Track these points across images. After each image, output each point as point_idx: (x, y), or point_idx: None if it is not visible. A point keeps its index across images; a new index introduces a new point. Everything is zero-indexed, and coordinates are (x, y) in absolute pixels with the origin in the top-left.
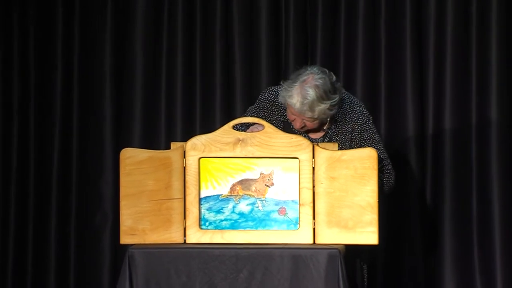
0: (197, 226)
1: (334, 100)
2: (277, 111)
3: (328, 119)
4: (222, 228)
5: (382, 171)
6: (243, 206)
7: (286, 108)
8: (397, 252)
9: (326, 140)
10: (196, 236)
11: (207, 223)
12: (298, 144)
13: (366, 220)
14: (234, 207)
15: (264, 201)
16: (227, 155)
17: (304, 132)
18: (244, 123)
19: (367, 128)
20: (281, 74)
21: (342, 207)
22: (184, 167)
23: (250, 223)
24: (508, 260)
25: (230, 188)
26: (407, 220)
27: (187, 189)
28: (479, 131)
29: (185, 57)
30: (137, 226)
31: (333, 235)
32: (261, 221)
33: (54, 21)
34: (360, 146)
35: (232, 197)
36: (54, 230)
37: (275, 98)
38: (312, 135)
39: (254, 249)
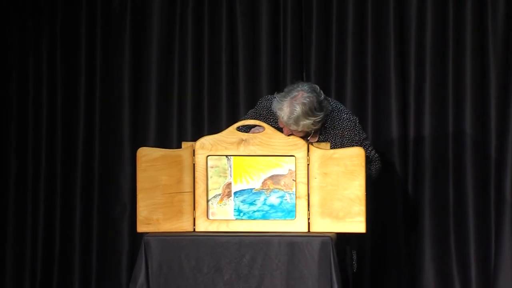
0: (205, 216)
1: (318, 117)
2: (272, 118)
3: (313, 132)
4: (255, 218)
5: (371, 161)
6: (274, 199)
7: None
8: (382, 240)
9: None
10: (204, 225)
11: (241, 214)
12: (294, 144)
13: (355, 211)
14: (265, 199)
15: (291, 194)
16: (232, 154)
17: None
18: (247, 125)
19: (356, 133)
20: (279, 79)
21: (333, 200)
22: (194, 164)
23: (280, 214)
24: (481, 244)
25: (262, 182)
26: (392, 212)
27: (196, 184)
28: (455, 132)
29: (194, 66)
30: (152, 216)
31: (326, 224)
32: (289, 212)
33: (78, 33)
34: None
35: (263, 190)
36: (79, 220)
37: (271, 106)
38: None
39: (256, 236)
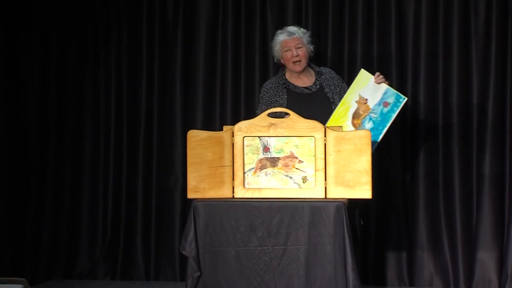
0: (242, 186)
1: (305, 31)
2: (280, 93)
3: (311, 52)
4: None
5: None
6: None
7: (283, 86)
8: (385, 205)
9: (317, 86)
10: (241, 193)
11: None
12: (314, 127)
13: (363, 181)
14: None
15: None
16: (263, 135)
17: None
18: (275, 112)
19: (345, 85)
20: None
21: (345, 172)
22: (233, 144)
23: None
24: (465, 211)
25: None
26: (393, 183)
27: (234, 159)
28: (444, 124)
29: (233, 65)
30: (199, 185)
31: (339, 192)
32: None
33: (140, 38)
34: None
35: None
36: (141, 189)
37: (271, 84)
38: (305, 82)
39: (283, 201)
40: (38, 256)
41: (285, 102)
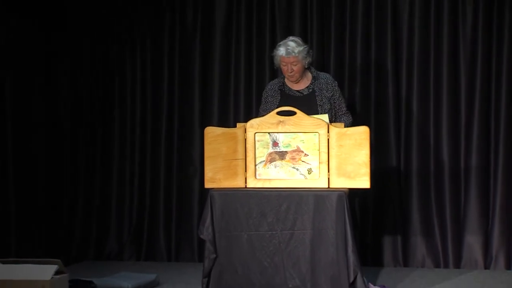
0: (254, 177)
1: (302, 46)
2: (275, 94)
3: (307, 64)
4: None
5: (347, 114)
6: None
7: (280, 90)
8: (382, 197)
9: (310, 90)
10: (253, 183)
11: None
12: (318, 124)
13: (362, 172)
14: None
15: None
16: (273, 131)
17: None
18: (284, 110)
19: (337, 89)
20: None
21: (346, 164)
22: (245, 139)
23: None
24: (454, 199)
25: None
26: (389, 175)
27: (247, 153)
28: (435, 114)
29: (245, 69)
30: (215, 176)
31: (341, 182)
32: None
33: (162, 44)
34: (337, 103)
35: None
36: (163, 179)
37: (270, 86)
38: (300, 85)
39: (290, 191)
40: (72, 239)
41: (277, 103)
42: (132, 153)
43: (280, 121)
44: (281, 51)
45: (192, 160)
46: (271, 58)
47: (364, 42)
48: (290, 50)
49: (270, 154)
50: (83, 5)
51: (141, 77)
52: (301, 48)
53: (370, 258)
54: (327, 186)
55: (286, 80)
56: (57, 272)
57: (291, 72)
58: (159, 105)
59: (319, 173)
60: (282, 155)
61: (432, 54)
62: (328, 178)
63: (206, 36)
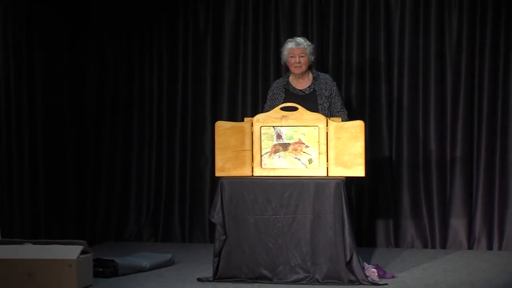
0: (259, 166)
1: (310, 43)
2: (280, 92)
3: (311, 61)
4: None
5: (343, 111)
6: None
7: (285, 87)
8: (375, 184)
9: (311, 89)
10: (259, 172)
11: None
12: (318, 118)
13: (357, 162)
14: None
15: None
16: (277, 125)
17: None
18: (287, 106)
19: (335, 88)
20: None
21: (343, 155)
22: (252, 132)
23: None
24: (441, 186)
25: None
26: (382, 163)
27: (253, 145)
28: (423, 108)
29: (252, 68)
30: (225, 166)
31: (338, 171)
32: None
33: (177, 45)
34: (333, 101)
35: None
36: (178, 169)
37: (276, 85)
38: (303, 85)
39: (293, 179)
40: (95, 222)
41: (282, 100)
42: (150, 145)
43: (284, 116)
44: (290, 44)
45: (204, 151)
46: (276, 59)
47: (359, 45)
48: (299, 42)
49: (275, 145)
50: (107, 13)
51: (158, 76)
52: (309, 43)
53: (364, 239)
54: (326, 175)
55: (290, 79)
56: (82, 252)
57: (298, 63)
58: (174, 101)
59: (319, 163)
60: (285, 146)
61: (421, 56)
62: (327, 167)
63: (217, 40)
